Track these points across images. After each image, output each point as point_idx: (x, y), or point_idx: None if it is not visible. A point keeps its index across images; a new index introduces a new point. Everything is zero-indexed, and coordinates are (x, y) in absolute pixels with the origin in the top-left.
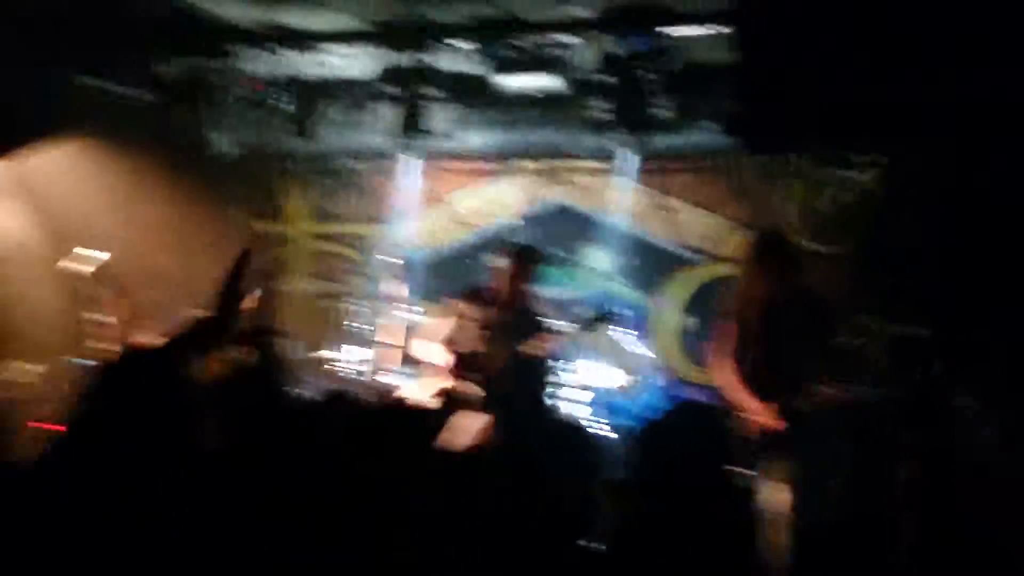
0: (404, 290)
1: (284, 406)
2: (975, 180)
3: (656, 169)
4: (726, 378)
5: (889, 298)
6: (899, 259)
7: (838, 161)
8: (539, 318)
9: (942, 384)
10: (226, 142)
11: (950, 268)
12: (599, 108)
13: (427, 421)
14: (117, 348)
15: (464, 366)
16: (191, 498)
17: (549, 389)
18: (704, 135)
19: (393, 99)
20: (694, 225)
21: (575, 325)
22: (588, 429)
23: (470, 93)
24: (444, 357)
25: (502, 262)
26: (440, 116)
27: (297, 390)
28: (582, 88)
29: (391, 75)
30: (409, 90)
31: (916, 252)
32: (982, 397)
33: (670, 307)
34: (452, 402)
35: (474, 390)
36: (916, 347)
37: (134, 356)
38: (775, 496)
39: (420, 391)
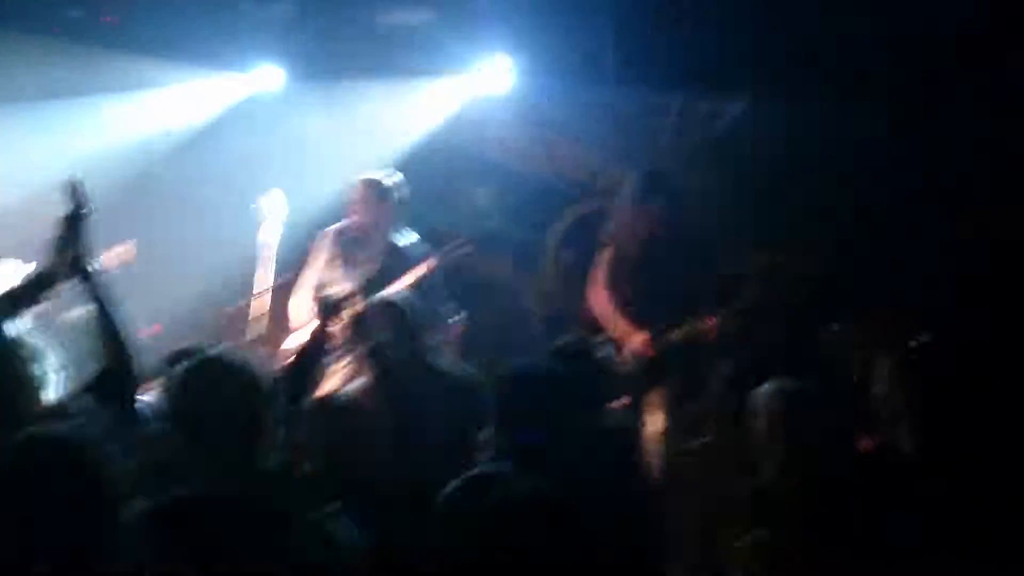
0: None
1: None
2: (844, 109)
3: (535, 104)
4: (603, 307)
5: (764, 229)
6: (774, 189)
7: (712, 93)
8: (405, 254)
9: (814, 313)
10: None
11: (823, 197)
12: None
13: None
14: None
15: (329, 310)
16: None
17: (418, 329)
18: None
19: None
20: (573, 159)
21: (450, 261)
22: (464, 370)
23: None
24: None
25: (358, 194)
26: None
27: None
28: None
29: None
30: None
31: (790, 182)
32: (856, 326)
33: (550, 242)
34: (320, 349)
35: (342, 335)
36: (790, 277)
37: None
38: (650, 423)
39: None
